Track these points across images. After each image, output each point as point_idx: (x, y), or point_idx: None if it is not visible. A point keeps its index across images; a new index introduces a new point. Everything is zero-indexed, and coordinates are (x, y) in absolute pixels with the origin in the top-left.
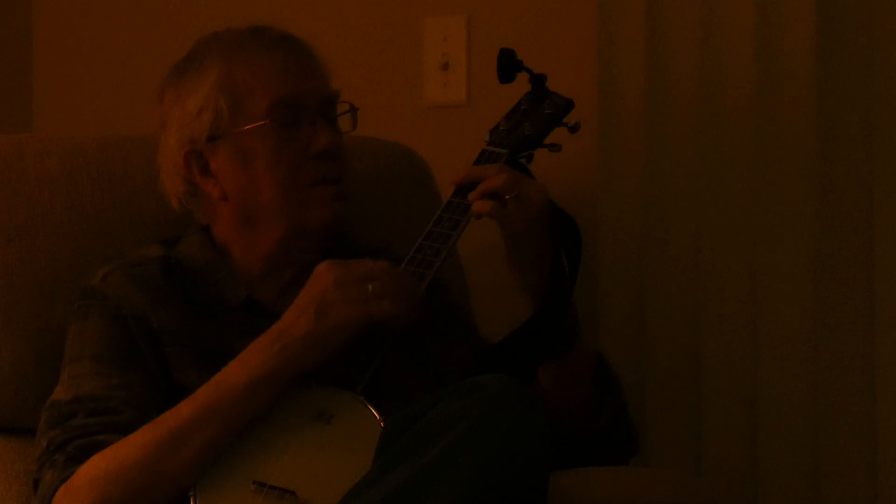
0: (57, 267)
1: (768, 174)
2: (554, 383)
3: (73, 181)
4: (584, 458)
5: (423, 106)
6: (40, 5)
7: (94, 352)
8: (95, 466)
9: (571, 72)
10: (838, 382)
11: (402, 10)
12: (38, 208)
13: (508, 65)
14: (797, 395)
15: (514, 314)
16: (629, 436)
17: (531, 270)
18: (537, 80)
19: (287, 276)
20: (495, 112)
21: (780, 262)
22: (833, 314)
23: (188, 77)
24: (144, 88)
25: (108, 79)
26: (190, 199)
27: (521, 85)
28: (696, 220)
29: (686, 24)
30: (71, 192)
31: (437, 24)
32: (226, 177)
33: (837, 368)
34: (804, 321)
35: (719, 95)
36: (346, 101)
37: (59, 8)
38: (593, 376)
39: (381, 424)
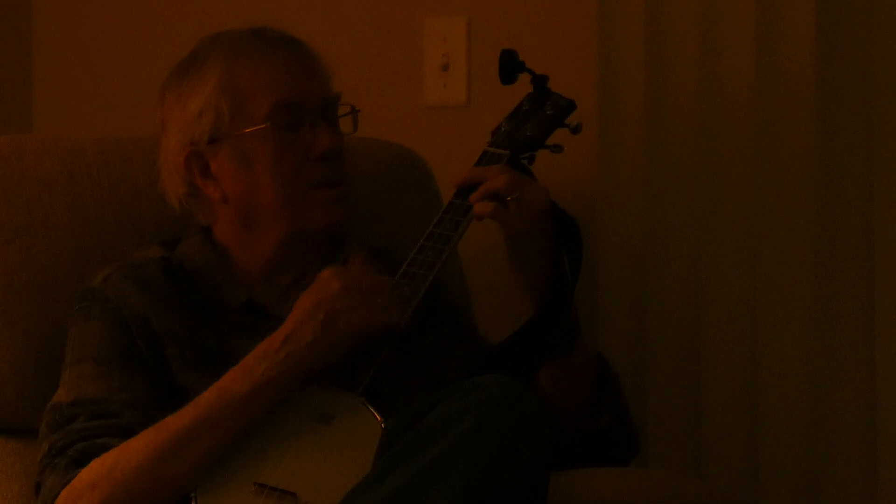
0: (57, 267)
1: (768, 174)
2: (554, 384)
3: (73, 182)
4: (585, 458)
5: (424, 107)
6: (40, 5)
7: (96, 354)
8: (97, 470)
9: (571, 72)
10: (838, 382)
11: (402, 10)
12: (39, 209)
13: (510, 66)
14: (797, 394)
15: (514, 315)
16: (630, 436)
17: (532, 271)
18: (539, 81)
19: (288, 278)
20: (495, 113)
21: (780, 262)
22: (833, 314)
23: (189, 78)
24: (145, 89)
25: (109, 79)
26: (190, 201)
27: (521, 86)
28: (696, 220)
29: (686, 24)
30: (71, 193)
31: (438, 24)
32: (226, 179)
33: (837, 368)
34: (804, 321)
35: (719, 96)
36: (346, 102)
37: (59, 8)
38: (594, 376)
39: (382, 425)
